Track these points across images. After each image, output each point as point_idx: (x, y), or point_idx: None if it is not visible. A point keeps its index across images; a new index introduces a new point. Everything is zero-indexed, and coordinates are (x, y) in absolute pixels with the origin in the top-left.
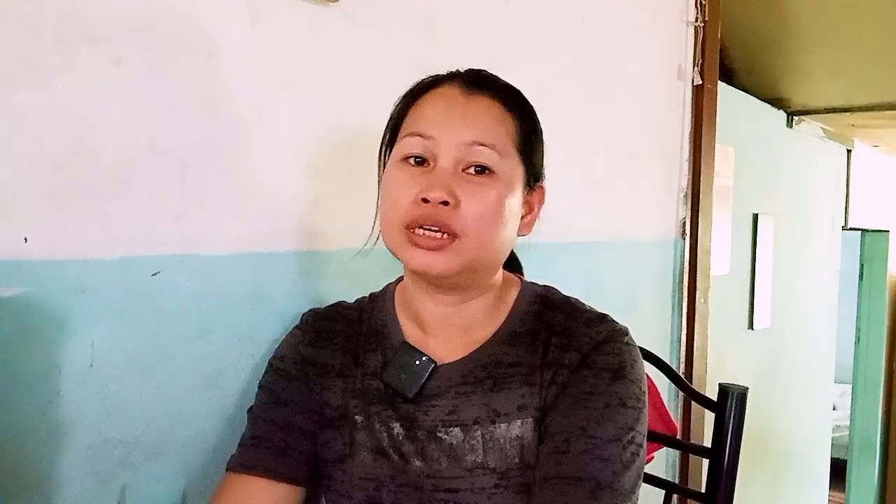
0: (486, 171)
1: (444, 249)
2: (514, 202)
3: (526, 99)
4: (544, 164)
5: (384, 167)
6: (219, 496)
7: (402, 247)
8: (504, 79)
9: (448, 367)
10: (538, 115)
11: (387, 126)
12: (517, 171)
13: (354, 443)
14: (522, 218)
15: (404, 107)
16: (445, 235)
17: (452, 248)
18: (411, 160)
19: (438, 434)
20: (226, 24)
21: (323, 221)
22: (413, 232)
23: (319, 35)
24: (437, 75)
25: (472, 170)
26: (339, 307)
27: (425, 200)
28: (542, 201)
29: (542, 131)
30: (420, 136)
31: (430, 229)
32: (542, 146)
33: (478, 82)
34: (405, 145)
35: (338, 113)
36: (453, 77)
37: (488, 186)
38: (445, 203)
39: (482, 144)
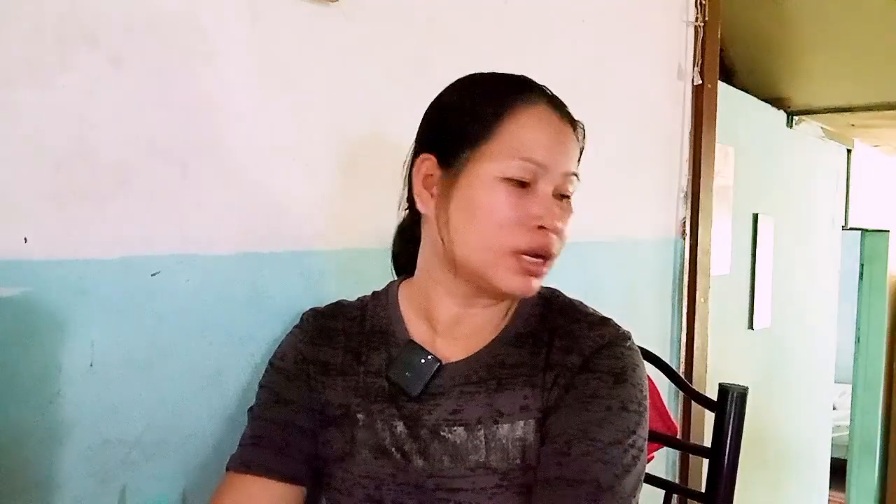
0: (565, 197)
1: (543, 271)
2: None
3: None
4: None
5: (447, 166)
6: (219, 496)
7: (504, 271)
8: None
9: (453, 367)
10: None
11: (456, 123)
12: None
13: (355, 441)
14: None
15: (495, 114)
16: (548, 261)
17: (544, 270)
18: (516, 182)
19: (441, 433)
20: (226, 24)
21: (323, 221)
22: (523, 258)
23: (319, 35)
24: (515, 81)
25: (560, 196)
26: (340, 305)
27: (542, 227)
28: None
29: None
30: (534, 163)
31: (537, 256)
32: None
33: (563, 106)
34: (513, 167)
35: (338, 113)
36: (537, 92)
37: (569, 212)
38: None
39: (573, 175)
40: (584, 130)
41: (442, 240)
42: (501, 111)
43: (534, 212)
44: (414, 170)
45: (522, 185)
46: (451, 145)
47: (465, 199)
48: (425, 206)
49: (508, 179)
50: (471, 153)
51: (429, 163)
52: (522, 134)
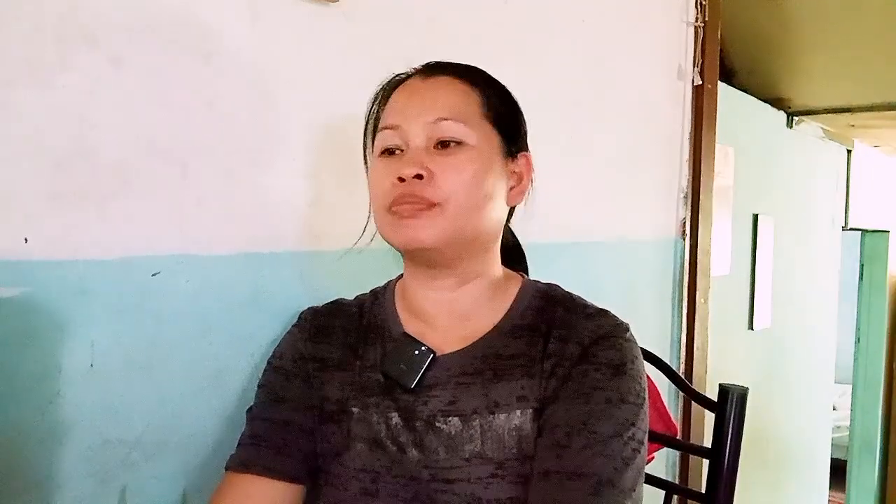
0: (456, 144)
1: (424, 216)
2: (494, 170)
3: (490, 75)
4: (525, 133)
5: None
6: (218, 496)
7: (388, 227)
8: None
9: (448, 358)
10: (513, 93)
11: (364, 132)
12: (492, 141)
13: (351, 434)
14: (512, 189)
15: (377, 109)
16: (423, 205)
17: (432, 214)
18: (386, 153)
19: (437, 424)
20: (226, 24)
21: (323, 221)
22: (393, 210)
23: (319, 35)
24: (401, 73)
25: (440, 145)
26: (338, 304)
27: (401, 180)
28: (530, 169)
29: (516, 102)
30: (389, 128)
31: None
32: (520, 116)
33: (435, 67)
34: (379, 140)
35: (338, 113)
36: (415, 71)
37: (460, 155)
38: (420, 177)
39: (445, 119)
40: (481, 73)
41: None
42: (382, 105)
43: (395, 170)
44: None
45: (393, 153)
46: (366, 150)
47: (369, 187)
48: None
49: (381, 153)
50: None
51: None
52: (384, 111)
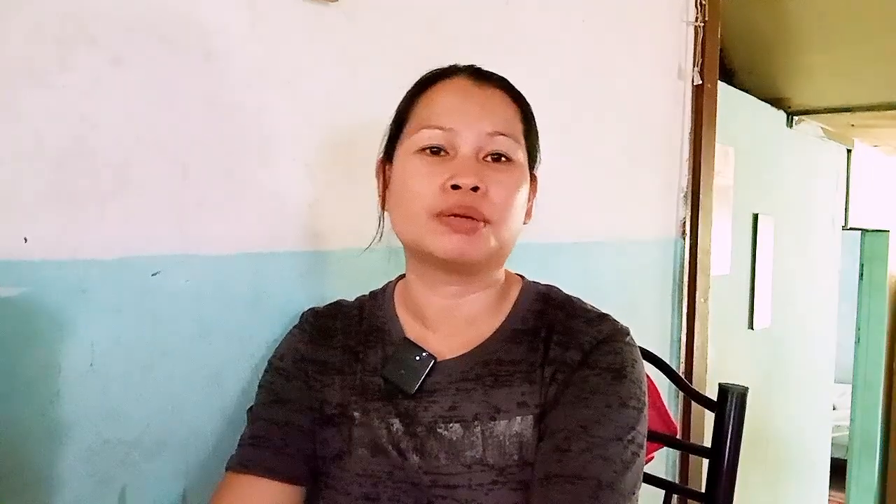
0: (507, 160)
1: (478, 233)
2: (525, 190)
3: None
4: (539, 154)
5: (389, 163)
6: (218, 496)
7: (430, 233)
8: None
9: (448, 364)
10: (535, 112)
11: (392, 122)
12: (525, 160)
13: (352, 439)
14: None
15: (410, 100)
16: (479, 222)
17: (484, 232)
18: (428, 151)
19: (438, 430)
20: (226, 24)
21: (323, 221)
22: (445, 218)
23: (319, 35)
24: (442, 68)
25: (490, 158)
26: (339, 305)
27: (455, 187)
28: (535, 190)
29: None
30: (439, 128)
31: (460, 216)
32: (538, 136)
33: (486, 74)
34: (422, 138)
35: (338, 112)
36: (459, 70)
37: (509, 173)
38: (475, 189)
39: (502, 134)
40: (517, 90)
41: (393, 227)
42: (416, 95)
43: (446, 175)
44: (377, 178)
45: (437, 153)
46: (389, 142)
47: (395, 181)
48: (383, 203)
49: (421, 151)
50: (400, 142)
51: (381, 166)
52: (429, 106)
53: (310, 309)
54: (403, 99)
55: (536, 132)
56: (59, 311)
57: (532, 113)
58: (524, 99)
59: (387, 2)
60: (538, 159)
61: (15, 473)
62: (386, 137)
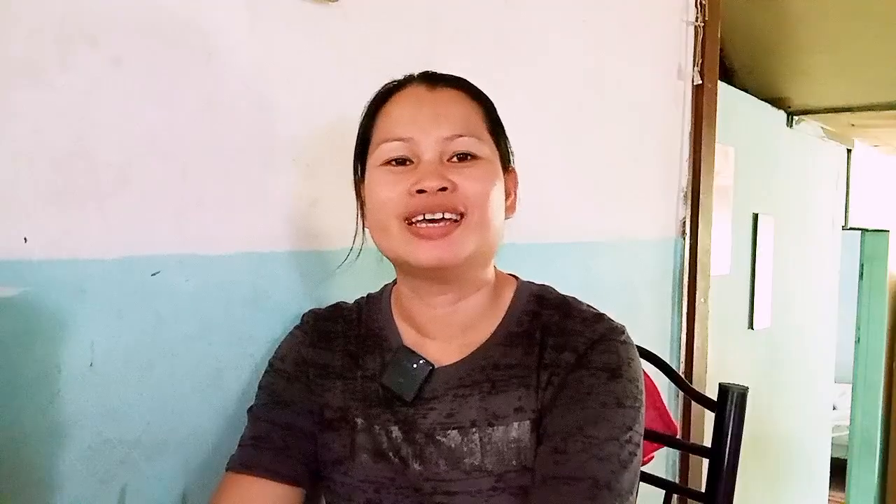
0: (472, 157)
1: (452, 234)
2: (500, 184)
3: (477, 87)
4: (510, 148)
5: (362, 179)
6: (218, 496)
7: (405, 244)
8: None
9: (446, 370)
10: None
11: (357, 140)
12: (494, 155)
13: (355, 445)
14: (507, 202)
15: (370, 116)
16: (450, 219)
17: (458, 234)
18: (392, 163)
19: (437, 437)
20: (226, 24)
21: (323, 221)
22: (415, 225)
23: (319, 35)
24: (395, 80)
25: (455, 158)
26: (339, 308)
27: (420, 191)
28: (516, 183)
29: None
30: (398, 139)
31: (432, 219)
32: (505, 131)
33: (438, 77)
34: (383, 151)
35: (338, 113)
36: (411, 78)
37: (477, 167)
38: (443, 189)
39: (461, 135)
40: (475, 87)
41: (375, 243)
42: (375, 112)
43: (411, 181)
44: (356, 198)
45: (402, 163)
46: (358, 159)
47: (368, 198)
48: (364, 222)
49: (385, 164)
50: (366, 159)
51: (357, 186)
52: (387, 120)
53: (311, 310)
54: (363, 116)
55: (502, 126)
56: (59, 311)
57: (493, 107)
58: (483, 95)
59: (386, 2)
60: (510, 151)
61: (15, 473)
62: (354, 157)
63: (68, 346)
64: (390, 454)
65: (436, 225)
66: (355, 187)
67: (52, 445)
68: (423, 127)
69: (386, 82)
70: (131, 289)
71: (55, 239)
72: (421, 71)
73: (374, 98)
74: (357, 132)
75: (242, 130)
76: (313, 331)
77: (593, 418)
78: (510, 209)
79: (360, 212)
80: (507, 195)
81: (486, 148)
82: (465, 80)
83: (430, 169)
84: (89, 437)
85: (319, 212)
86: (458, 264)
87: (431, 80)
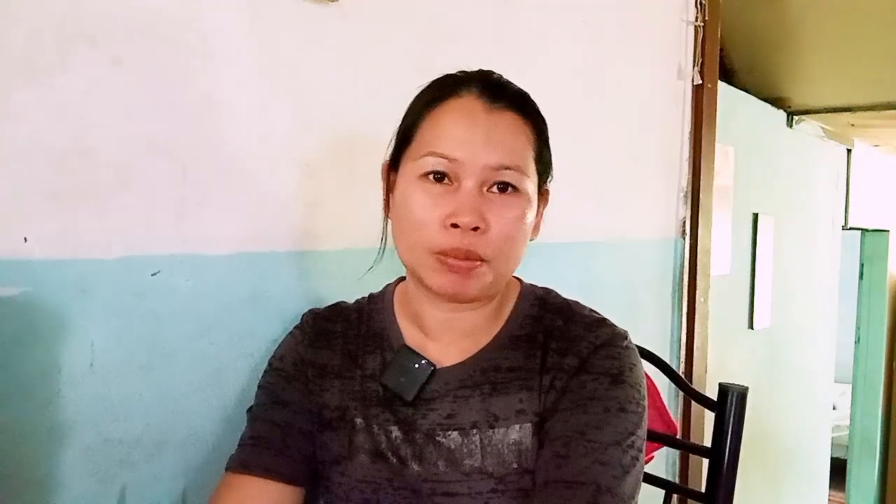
0: (513, 189)
1: (473, 272)
2: (532, 214)
3: (536, 104)
4: (552, 165)
5: (395, 170)
6: (218, 496)
7: (428, 270)
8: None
9: (447, 371)
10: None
11: (399, 130)
12: (535, 183)
13: (353, 445)
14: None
15: (418, 113)
16: (476, 262)
17: (480, 271)
18: (431, 177)
19: (437, 437)
20: (226, 24)
21: (323, 221)
22: (443, 258)
23: (319, 35)
24: (453, 77)
25: (495, 188)
26: (339, 308)
27: (455, 226)
28: (546, 202)
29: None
30: (443, 157)
31: (458, 257)
32: (550, 149)
33: (497, 92)
34: (426, 163)
35: (337, 113)
36: (470, 83)
37: (513, 206)
38: (475, 228)
39: (508, 168)
40: (532, 104)
41: (395, 245)
42: (424, 110)
43: (447, 210)
44: (382, 177)
45: (441, 180)
46: (395, 149)
47: (398, 201)
48: (387, 211)
49: (424, 177)
50: (405, 155)
51: (386, 171)
52: (436, 129)
53: (310, 310)
54: (412, 108)
55: (549, 150)
56: (59, 311)
57: (545, 127)
58: (539, 116)
59: (386, 2)
60: (550, 175)
61: (15, 472)
62: (392, 144)
63: (68, 346)
64: (389, 454)
65: (462, 263)
66: (384, 172)
67: (52, 445)
68: (472, 151)
69: (443, 75)
70: (131, 289)
71: (55, 239)
72: (480, 70)
73: (427, 93)
74: (400, 122)
75: (242, 130)
76: (312, 331)
77: (596, 423)
78: (535, 230)
79: (385, 196)
80: (536, 216)
81: (527, 182)
82: (523, 98)
83: (468, 203)
84: (89, 436)
85: (319, 212)
86: (472, 298)
87: (490, 94)
